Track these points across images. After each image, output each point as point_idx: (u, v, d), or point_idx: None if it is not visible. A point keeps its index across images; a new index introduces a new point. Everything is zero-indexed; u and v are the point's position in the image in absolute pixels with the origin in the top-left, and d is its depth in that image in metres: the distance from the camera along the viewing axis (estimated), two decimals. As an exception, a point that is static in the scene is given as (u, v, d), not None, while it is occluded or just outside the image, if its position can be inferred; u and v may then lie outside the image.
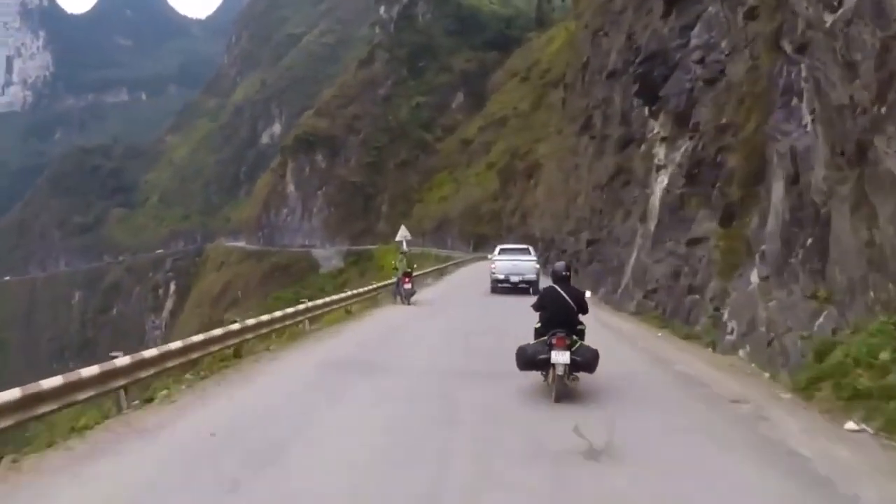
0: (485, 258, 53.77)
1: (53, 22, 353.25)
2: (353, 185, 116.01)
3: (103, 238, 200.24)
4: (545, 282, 14.49)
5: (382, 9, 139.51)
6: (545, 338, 8.64)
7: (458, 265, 51.81)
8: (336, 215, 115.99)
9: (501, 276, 25.97)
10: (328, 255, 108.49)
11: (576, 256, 29.95)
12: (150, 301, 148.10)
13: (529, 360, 8.67)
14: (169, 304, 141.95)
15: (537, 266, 26.79)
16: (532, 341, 8.97)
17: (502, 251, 27.69)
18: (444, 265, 47.98)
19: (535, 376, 9.09)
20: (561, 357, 8.34)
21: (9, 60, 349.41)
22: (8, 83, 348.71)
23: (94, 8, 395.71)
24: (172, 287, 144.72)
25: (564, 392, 8.51)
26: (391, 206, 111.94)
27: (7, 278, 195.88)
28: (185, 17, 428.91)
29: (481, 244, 77.83)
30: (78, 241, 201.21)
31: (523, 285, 25.46)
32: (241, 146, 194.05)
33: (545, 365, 8.62)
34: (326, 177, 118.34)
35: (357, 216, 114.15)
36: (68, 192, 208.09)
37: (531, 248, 29.32)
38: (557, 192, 41.77)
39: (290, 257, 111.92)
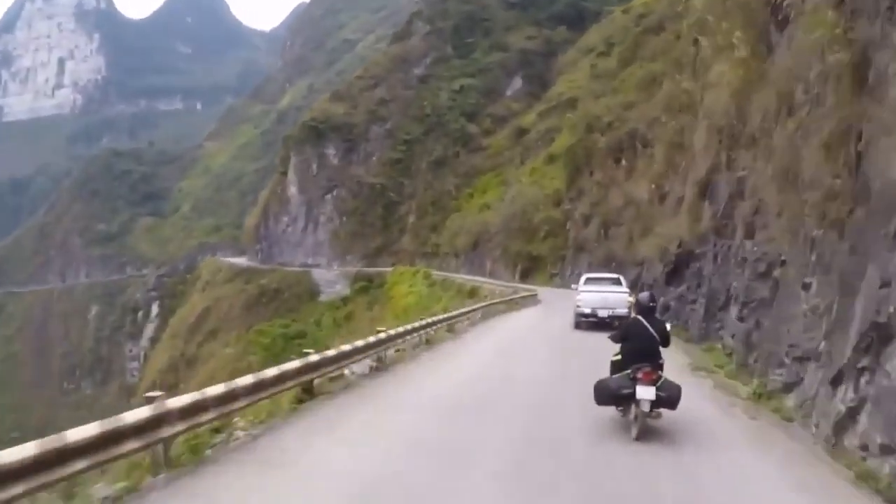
0: (534, 296, 35.80)
1: (110, 25, 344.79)
2: (371, 189, 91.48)
3: (128, 248, 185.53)
4: None
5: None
6: (628, 371, 8.26)
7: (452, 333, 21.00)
8: (348, 226, 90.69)
9: (587, 310, 21.82)
10: (331, 279, 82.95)
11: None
12: (127, 326, 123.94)
13: (612, 394, 8.32)
14: (149, 331, 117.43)
15: (630, 299, 21.04)
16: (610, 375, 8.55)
17: (588, 281, 22.97)
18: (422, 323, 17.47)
19: None
20: (647, 393, 8.01)
21: (61, 62, 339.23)
22: (58, 85, 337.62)
23: (153, 13, 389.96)
24: (155, 310, 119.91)
25: (646, 429, 8.19)
26: (419, 216, 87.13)
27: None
28: (248, 28, 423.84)
29: (533, 270, 55.67)
30: (100, 250, 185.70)
31: (612, 321, 20.75)
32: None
33: (628, 400, 8.25)
34: (339, 176, 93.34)
35: (375, 228, 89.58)
36: (94, 198, 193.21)
37: (622, 279, 23.52)
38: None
39: (284, 279, 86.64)
